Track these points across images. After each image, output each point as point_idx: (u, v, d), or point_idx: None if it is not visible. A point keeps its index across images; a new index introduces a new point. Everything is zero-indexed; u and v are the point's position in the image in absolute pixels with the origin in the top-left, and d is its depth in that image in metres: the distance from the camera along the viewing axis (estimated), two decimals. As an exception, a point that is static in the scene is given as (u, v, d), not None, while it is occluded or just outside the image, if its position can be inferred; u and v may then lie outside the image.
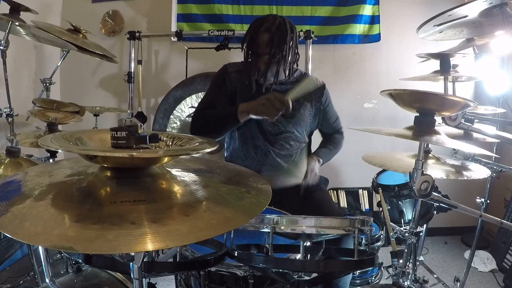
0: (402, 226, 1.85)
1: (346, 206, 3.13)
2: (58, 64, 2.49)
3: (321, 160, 1.81)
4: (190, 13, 2.95)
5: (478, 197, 2.10)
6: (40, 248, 1.41)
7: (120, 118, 0.82)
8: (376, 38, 3.05)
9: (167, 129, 2.77)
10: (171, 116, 2.79)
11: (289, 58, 1.66)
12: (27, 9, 1.77)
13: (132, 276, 0.85)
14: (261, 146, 1.76)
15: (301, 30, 2.64)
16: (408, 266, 1.61)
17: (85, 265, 1.28)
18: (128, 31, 2.75)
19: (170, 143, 0.97)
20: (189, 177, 0.89)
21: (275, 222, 0.98)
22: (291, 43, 1.64)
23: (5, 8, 1.73)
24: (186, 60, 2.81)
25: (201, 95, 2.72)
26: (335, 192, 3.14)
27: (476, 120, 1.31)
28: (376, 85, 3.01)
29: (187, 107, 2.78)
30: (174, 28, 2.90)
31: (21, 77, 2.58)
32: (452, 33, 1.49)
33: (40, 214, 0.68)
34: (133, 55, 2.77)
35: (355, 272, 2.00)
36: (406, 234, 1.66)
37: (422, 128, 1.13)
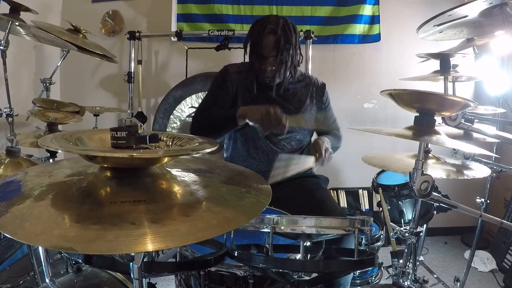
0: (402, 226, 1.86)
1: (346, 206, 3.13)
2: (58, 64, 2.48)
3: (329, 141, 1.69)
4: (190, 13, 2.95)
5: (478, 197, 2.10)
6: (40, 248, 1.41)
7: (120, 118, 0.82)
8: (376, 38, 3.05)
9: (167, 129, 2.77)
10: (171, 116, 2.79)
11: (294, 59, 1.66)
12: (27, 9, 1.77)
13: (132, 276, 0.85)
14: (262, 146, 1.76)
15: (301, 30, 2.64)
16: (408, 266, 1.61)
17: (85, 265, 1.28)
18: (128, 31, 2.75)
19: (170, 143, 0.97)
20: (189, 177, 0.89)
21: (275, 222, 0.98)
22: (295, 44, 1.64)
23: (5, 8, 1.73)
24: (186, 60, 2.81)
25: (201, 95, 2.72)
26: (335, 192, 3.14)
27: (476, 120, 1.31)
28: (376, 85, 3.01)
29: (187, 107, 2.78)
30: (174, 28, 2.90)
31: (21, 77, 2.58)
32: (452, 33, 1.49)
33: (40, 214, 0.68)
34: (133, 55, 2.77)
35: (355, 272, 2.00)
36: (406, 234, 1.66)
37: (422, 128, 1.13)
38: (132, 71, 2.79)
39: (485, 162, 1.93)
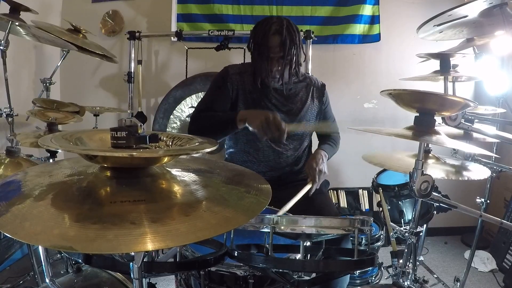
0: (402, 226, 1.85)
1: (346, 206, 3.13)
2: (58, 64, 2.49)
3: (327, 155, 1.78)
4: (190, 13, 2.95)
5: (478, 197, 2.10)
6: (40, 248, 1.41)
7: (120, 118, 0.82)
8: (376, 38, 3.05)
9: (167, 129, 2.77)
10: (171, 116, 2.79)
11: (299, 59, 1.67)
12: (27, 9, 1.77)
13: (132, 276, 0.85)
14: (263, 146, 1.76)
15: (301, 30, 2.61)
16: (408, 266, 1.61)
17: (85, 265, 1.28)
18: (128, 31, 2.75)
19: (170, 143, 0.97)
20: (189, 177, 0.89)
21: (275, 222, 0.98)
22: (299, 44, 1.65)
23: (5, 8, 1.73)
24: (186, 60, 2.81)
25: (201, 95, 2.72)
26: (335, 192, 3.14)
27: (476, 120, 1.31)
28: (376, 85, 3.00)
29: (187, 107, 2.78)
30: (174, 28, 2.90)
31: (21, 77, 2.58)
32: (452, 33, 1.49)
33: (40, 214, 0.68)
34: (133, 55, 2.77)
35: (355, 272, 2.00)
36: (406, 234, 1.66)
37: (422, 128, 1.13)
38: (132, 71, 2.79)
39: (485, 162, 1.93)
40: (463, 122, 1.27)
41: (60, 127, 1.86)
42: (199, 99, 2.72)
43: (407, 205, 1.94)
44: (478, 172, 1.58)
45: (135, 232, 0.65)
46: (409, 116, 1.19)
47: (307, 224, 0.97)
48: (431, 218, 1.89)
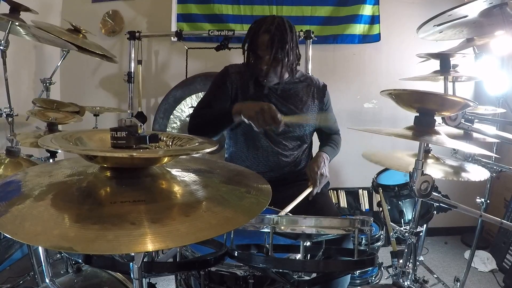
0: (402, 226, 1.85)
1: (346, 206, 3.13)
2: (58, 64, 2.49)
3: (329, 158, 1.77)
4: (190, 13, 2.95)
5: (478, 197, 2.10)
6: (40, 248, 1.41)
7: (120, 118, 0.82)
8: (376, 38, 3.05)
9: (167, 129, 2.77)
10: (171, 116, 2.79)
11: (291, 58, 1.66)
12: (27, 9, 1.77)
13: (132, 276, 0.85)
14: (263, 147, 1.76)
15: (301, 30, 2.64)
16: (408, 266, 1.61)
17: (85, 265, 1.28)
18: (128, 31, 2.75)
19: (170, 143, 0.97)
20: (189, 177, 0.89)
21: (275, 222, 0.98)
22: (291, 43, 1.64)
23: (5, 8, 1.73)
24: (186, 60, 2.81)
25: (201, 95, 2.72)
26: (335, 192, 3.14)
27: (476, 120, 1.31)
28: (376, 85, 3.01)
29: (187, 107, 2.78)
30: (174, 28, 2.90)
31: (21, 77, 2.58)
32: (452, 33, 1.49)
33: (40, 214, 0.68)
34: (133, 55, 2.77)
35: (355, 272, 2.00)
36: (406, 234, 1.66)
37: (422, 128, 1.13)
38: (132, 71, 2.79)
39: (485, 162, 1.93)
40: (463, 122, 1.27)
41: (60, 127, 1.86)
42: (199, 99, 2.73)
43: (407, 205, 1.94)
44: (477, 173, 1.58)
45: (135, 232, 0.65)
46: (409, 116, 1.19)
47: (307, 224, 0.97)
48: (431, 218, 1.89)
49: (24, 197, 0.75)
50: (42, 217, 0.68)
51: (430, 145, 1.68)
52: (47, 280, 1.25)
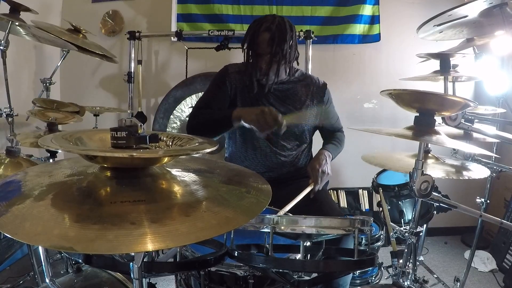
0: (402, 226, 1.85)
1: (346, 206, 3.13)
2: (58, 64, 2.48)
3: (331, 156, 1.75)
4: (190, 13, 2.95)
5: (478, 197, 2.10)
6: (40, 248, 1.41)
7: (120, 118, 0.82)
8: (376, 38, 3.05)
9: (167, 129, 2.77)
10: (171, 116, 2.79)
11: (290, 56, 1.66)
12: (27, 9, 1.77)
13: (132, 276, 0.85)
14: (261, 147, 1.76)
15: (301, 30, 2.64)
16: (408, 266, 1.61)
17: (85, 265, 1.28)
18: (128, 31, 2.75)
19: (170, 143, 0.97)
20: (189, 177, 0.89)
21: (275, 222, 0.98)
22: (290, 42, 1.64)
23: (5, 8, 1.73)
24: (186, 60, 2.81)
25: (201, 95, 2.72)
26: (335, 192, 3.14)
27: (476, 120, 1.31)
28: (376, 85, 3.00)
29: (187, 107, 2.78)
30: (174, 28, 2.90)
31: (21, 77, 2.58)
32: (452, 33, 1.49)
33: (40, 214, 0.68)
34: (133, 55, 2.77)
35: (355, 272, 2.00)
36: (406, 234, 1.66)
37: (422, 128, 1.13)
38: (132, 71, 2.79)
39: (485, 162, 1.93)
40: (463, 122, 1.27)
41: (60, 127, 1.86)
42: (199, 98, 2.73)
43: (407, 205, 1.94)
44: (478, 172, 1.58)
45: (135, 232, 0.65)
46: (409, 116, 1.19)
47: (307, 224, 0.97)
48: (431, 218, 1.89)
49: (24, 197, 0.75)
50: (42, 217, 0.68)
51: (430, 145, 1.67)
52: (47, 280, 1.25)
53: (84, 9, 2.97)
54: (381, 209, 1.89)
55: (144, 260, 0.85)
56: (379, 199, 1.91)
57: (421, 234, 2.03)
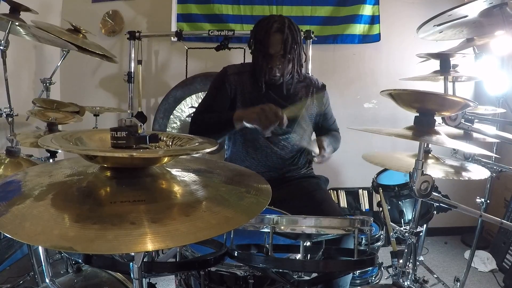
0: (402, 226, 1.85)
1: (346, 206, 3.13)
2: (58, 64, 2.48)
3: (327, 140, 1.69)
4: (190, 13, 2.95)
5: (478, 197, 2.10)
6: (40, 248, 1.41)
7: (120, 118, 0.82)
8: (376, 38, 3.05)
9: (167, 129, 2.77)
10: (171, 116, 2.79)
11: (301, 57, 1.68)
12: (27, 9, 1.77)
13: (132, 276, 0.85)
14: (262, 147, 1.76)
15: (301, 30, 2.63)
16: (408, 266, 1.61)
17: (85, 265, 1.28)
18: (128, 31, 2.75)
19: (170, 143, 0.97)
20: (189, 177, 0.89)
21: (275, 222, 0.98)
22: (300, 43, 1.66)
23: (5, 8, 1.73)
24: (186, 60, 2.81)
25: (201, 95, 2.72)
26: (335, 192, 3.14)
27: (476, 120, 1.31)
28: (376, 85, 3.01)
29: (187, 107, 2.78)
30: (174, 28, 2.90)
31: (21, 77, 2.58)
32: (452, 33, 1.49)
33: (40, 214, 0.68)
34: (133, 55, 2.77)
35: (355, 272, 2.00)
36: (406, 234, 1.66)
37: (422, 128, 1.13)
38: (132, 71, 2.79)
39: (485, 162, 1.93)
40: (463, 122, 1.27)
41: (60, 127, 1.86)
42: (199, 99, 2.73)
43: (407, 205, 1.94)
44: (478, 172, 1.58)
45: (135, 232, 0.65)
46: (409, 116, 1.19)
47: (307, 224, 0.97)
48: (431, 218, 1.89)
49: (24, 197, 0.75)
50: (42, 217, 0.68)
51: (430, 145, 1.67)
52: (47, 280, 1.25)
53: (84, 9, 2.97)
54: (381, 209, 1.89)
55: (144, 260, 0.85)
56: (379, 199, 1.90)
57: (421, 234, 2.03)
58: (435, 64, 1.89)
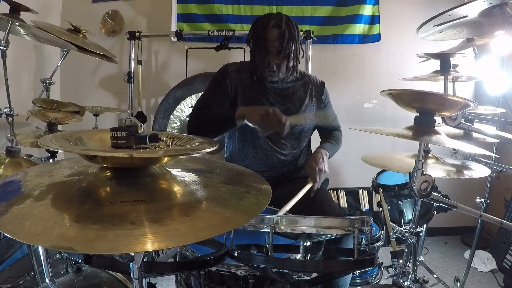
0: (402, 226, 1.85)
1: (346, 206, 3.13)
2: (58, 64, 2.48)
3: (328, 154, 1.77)
4: (190, 13, 2.95)
5: (478, 197, 2.10)
6: (40, 248, 1.41)
7: (120, 118, 0.82)
8: (376, 38, 3.05)
9: (167, 129, 2.77)
10: (171, 116, 2.79)
11: (297, 54, 1.68)
12: (27, 9, 1.77)
13: (132, 276, 0.85)
14: (261, 145, 1.76)
15: (301, 30, 2.63)
16: (408, 266, 1.61)
17: (85, 265, 1.28)
18: (128, 31, 2.75)
19: (170, 143, 0.97)
20: (189, 177, 0.89)
21: (275, 222, 0.98)
22: (297, 39, 1.67)
23: (5, 8, 1.73)
24: (186, 60, 2.81)
25: (201, 95, 2.72)
26: (335, 192, 3.14)
27: (476, 120, 1.31)
28: (376, 85, 3.00)
29: (187, 107, 2.78)
30: (174, 28, 2.90)
31: (21, 77, 2.58)
32: (452, 33, 1.49)
33: (40, 214, 0.68)
34: (133, 55, 2.77)
35: (355, 272, 2.00)
36: (406, 234, 1.66)
37: (422, 128, 1.13)
38: (132, 71, 2.79)
39: (485, 162, 1.93)
40: (463, 122, 1.27)
41: (60, 127, 1.86)
42: (198, 98, 2.73)
43: (407, 205, 1.94)
44: (478, 172, 1.58)
45: (135, 232, 0.65)
46: (409, 116, 1.19)
47: (307, 224, 0.97)
48: (431, 218, 1.89)
49: (24, 197, 0.75)
50: (42, 217, 0.68)
51: (430, 145, 1.67)
52: (47, 280, 1.25)
53: (84, 9, 2.97)
54: (381, 209, 1.89)
55: (144, 260, 0.85)
56: (379, 199, 1.91)
57: (421, 234, 2.03)
58: (435, 64, 1.89)
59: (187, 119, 2.76)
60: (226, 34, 2.66)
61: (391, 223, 1.81)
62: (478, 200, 2.09)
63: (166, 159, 0.86)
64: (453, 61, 1.82)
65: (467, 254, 2.88)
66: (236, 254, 1.00)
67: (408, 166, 1.40)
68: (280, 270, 1.03)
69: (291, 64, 1.68)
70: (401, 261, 1.61)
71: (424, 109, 1.14)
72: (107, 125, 2.45)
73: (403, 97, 1.17)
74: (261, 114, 1.49)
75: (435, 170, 1.55)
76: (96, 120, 2.71)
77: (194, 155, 1.14)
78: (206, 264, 1.01)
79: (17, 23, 1.63)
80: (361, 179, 3.02)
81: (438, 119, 1.21)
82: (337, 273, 1.20)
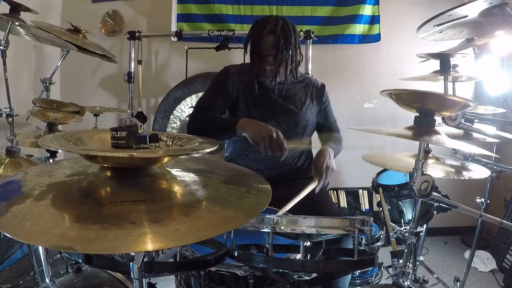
0: (402, 226, 1.85)
1: (346, 206, 3.13)
2: (58, 64, 2.48)
3: (333, 152, 1.71)
4: (190, 13, 2.95)
5: (478, 197, 2.10)
6: (40, 248, 1.41)
7: (120, 118, 0.82)
8: (376, 38, 3.05)
9: (167, 129, 2.77)
10: (171, 116, 2.79)
11: (294, 58, 1.67)
12: (27, 9, 1.77)
13: (132, 276, 0.85)
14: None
15: (301, 30, 2.64)
16: (408, 266, 1.61)
17: (85, 265, 1.28)
18: (128, 31, 2.75)
19: (170, 143, 0.97)
20: (189, 177, 0.90)
21: (275, 222, 0.98)
22: (295, 43, 1.65)
23: (5, 8, 1.73)
24: (186, 60, 2.81)
25: (201, 95, 2.72)
26: (335, 192, 3.14)
27: (476, 120, 1.31)
28: (376, 85, 3.01)
29: (187, 107, 2.78)
30: (174, 28, 2.90)
31: (21, 77, 2.58)
32: (452, 33, 1.49)
33: (40, 214, 0.68)
34: (133, 55, 2.77)
35: (355, 272, 2.00)
36: (406, 234, 1.66)
37: (422, 128, 1.13)
38: (132, 71, 2.79)
39: (485, 162, 1.93)
40: (463, 122, 1.27)
41: (60, 127, 1.86)
42: (199, 98, 2.73)
43: (407, 205, 1.94)
44: (478, 172, 1.58)
45: (135, 232, 0.65)
46: (409, 116, 1.19)
47: (307, 224, 0.97)
48: (431, 218, 1.89)
49: (24, 197, 0.75)
50: (42, 217, 0.68)
51: (430, 145, 1.68)
52: (47, 280, 1.25)
53: (84, 9, 2.97)
54: (381, 209, 1.89)
55: (144, 260, 0.85)
56: (379, 199, 1.91)
57: (421, 234, 2.03)
58: (435, 64, 1.89)
59: (187, 119, 2.76)
60: (226, 34, 2.66)
61: (391, 223, 1.81)
62: (478, 200, 2.09)
63: (166, 159, 0.86)
64: (453, 61, 1.82)
65: (467, 254, 2.88)
66: (236, 254, 1.00)
67: (408, 165, 1.41)
68: (280, 270, 1.03)
69: (288, 68, 1.66)
70: (401, 261, 1.61)
71: (424, 109, 1.14)
72: (107, 125, 2.45)
73: (403, 97, 1.17)
74: (263, 137, 1.45)
75: (435, 170, 1.55)
76: (96, 120, 2.71)
77: (194, 155, 1.14)
78: (206, 264, 1.01)
79: (17, 23, 1.63)
80: (361, 179, 3.02)
81: (438, 119, 1.21)
82: (337, 273, 1.20)
